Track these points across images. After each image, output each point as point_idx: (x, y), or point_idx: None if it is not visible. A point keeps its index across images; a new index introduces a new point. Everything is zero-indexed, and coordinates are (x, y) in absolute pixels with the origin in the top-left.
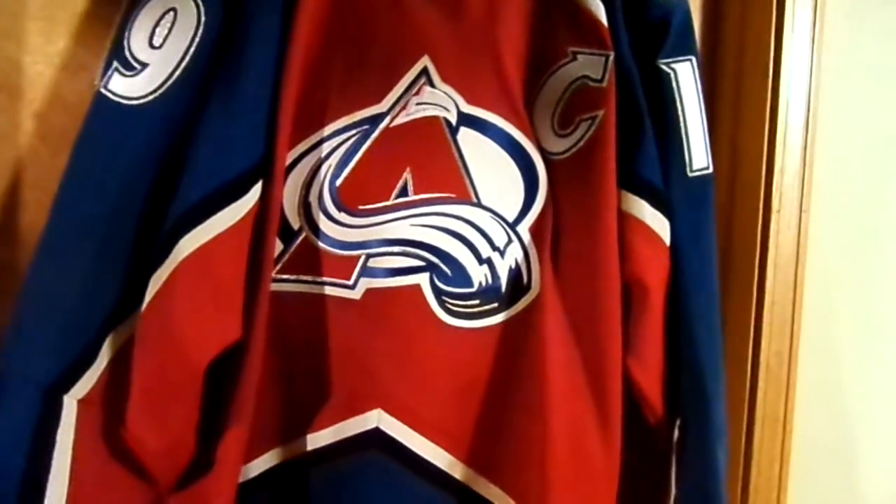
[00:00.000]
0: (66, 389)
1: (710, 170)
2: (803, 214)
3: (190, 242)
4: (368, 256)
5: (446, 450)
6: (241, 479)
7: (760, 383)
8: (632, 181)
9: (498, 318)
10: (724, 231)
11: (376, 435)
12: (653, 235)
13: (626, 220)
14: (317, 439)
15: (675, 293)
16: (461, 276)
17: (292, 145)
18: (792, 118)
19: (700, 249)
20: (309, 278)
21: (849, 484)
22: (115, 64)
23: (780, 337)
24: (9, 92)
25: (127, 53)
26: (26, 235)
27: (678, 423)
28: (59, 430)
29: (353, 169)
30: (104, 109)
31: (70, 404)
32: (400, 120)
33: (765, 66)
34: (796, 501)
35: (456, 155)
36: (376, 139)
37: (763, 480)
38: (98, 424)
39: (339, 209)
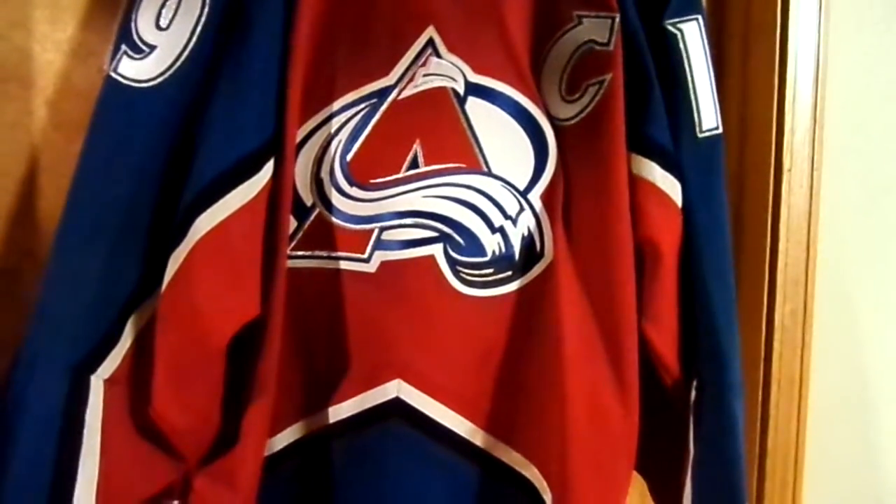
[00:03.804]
0: (93, 370)
1: (720, 130)
2: (815, 172)
3: (206, 221)
4: (382, 229)
5: (466, 417)
6: (266, 453)
7: (776, 343)
8: (642, 144)
9: (512, 286)
10: (735, 191)
11: (397, 405)
12: (664, 197)
13: (637, 183)
14: (338, 411)
15: (688, 254)
16: (474, 245)
17: (302, 122)
18: (801, 76)
19: (712, 210)
20: (324, 253)
21: (866, 439)
22: (124, 47)
23: (795, 296)
24: (20, 81)
25: (135, 36)
26: (45, 221)
27: (695, 383)
28: (88, 410)
29: (364, 143)
30: (115, 93)
31: (97, 384)
32: (408, 92)
33: (772, 23)
34: (814, 459)
35: (465, 125)
36: (385, 112)
37: (780, 439)
38: (125, 403)
39: (351, 184)
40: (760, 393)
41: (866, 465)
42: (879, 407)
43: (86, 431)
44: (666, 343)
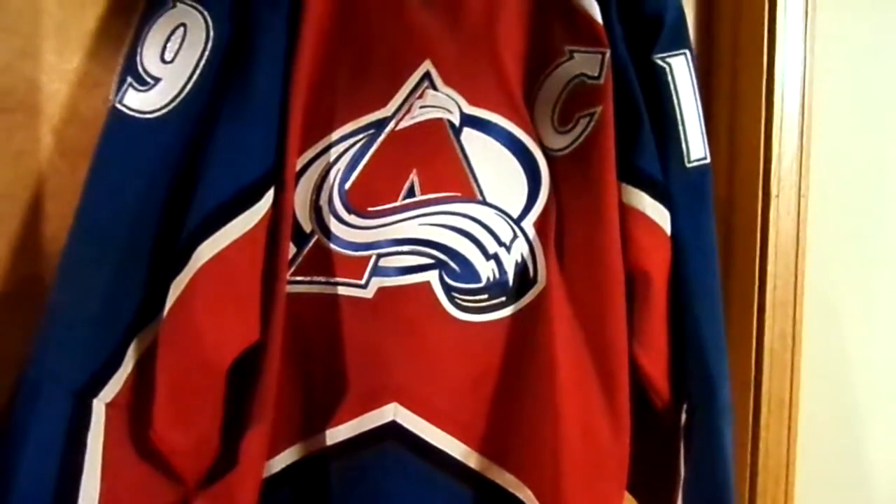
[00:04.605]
0: (95, 394)
1: (708, 160)
2: (802, 199)
3: (208, 249)
4: (379, 256)
5: (461, 440)
6: (264, 475)
7: (765, 365)
8: (631, 174)
9: (506, 312)
10: (724, 218)
11: (393, 428)
12: (653, 226)
13: (627, 212)
14: (336, 434)
15: (678, 280)
16: (469, 272)
17: (302, 151)
18: (788, 104)
19: (700, 238)
20: (322, 279)
21: (856, 462)
22: (129, 79)
23: (783, 319)
24: (27, 110)
25: (140, 69)
26: (50, 247)
27: (685, 406)
28: (90, 433)
29: (361, 172)
30: (120, 124)
31: (99, 408)
32: (405, 123)
33: (759, 53)
34: (804, 481)
35: (460, 155)
36: (382, 142)
37: (771, 460)
38: (126, 427)
39: (349, 211)
40: (751, 415)
41: (856, 485)
42: (868, 427)
43: (87, 454)
44: (656, 367)
